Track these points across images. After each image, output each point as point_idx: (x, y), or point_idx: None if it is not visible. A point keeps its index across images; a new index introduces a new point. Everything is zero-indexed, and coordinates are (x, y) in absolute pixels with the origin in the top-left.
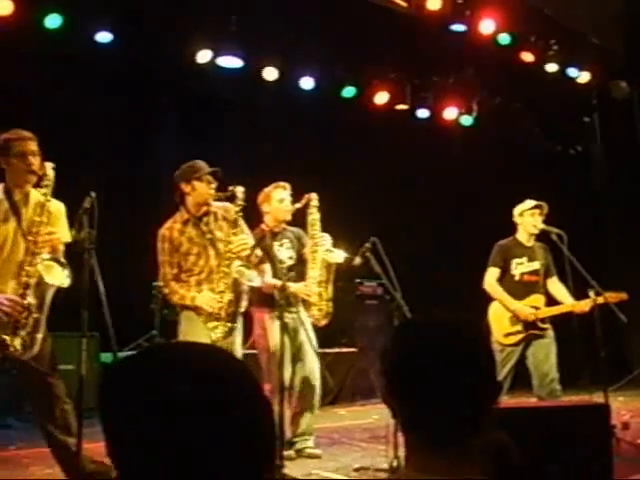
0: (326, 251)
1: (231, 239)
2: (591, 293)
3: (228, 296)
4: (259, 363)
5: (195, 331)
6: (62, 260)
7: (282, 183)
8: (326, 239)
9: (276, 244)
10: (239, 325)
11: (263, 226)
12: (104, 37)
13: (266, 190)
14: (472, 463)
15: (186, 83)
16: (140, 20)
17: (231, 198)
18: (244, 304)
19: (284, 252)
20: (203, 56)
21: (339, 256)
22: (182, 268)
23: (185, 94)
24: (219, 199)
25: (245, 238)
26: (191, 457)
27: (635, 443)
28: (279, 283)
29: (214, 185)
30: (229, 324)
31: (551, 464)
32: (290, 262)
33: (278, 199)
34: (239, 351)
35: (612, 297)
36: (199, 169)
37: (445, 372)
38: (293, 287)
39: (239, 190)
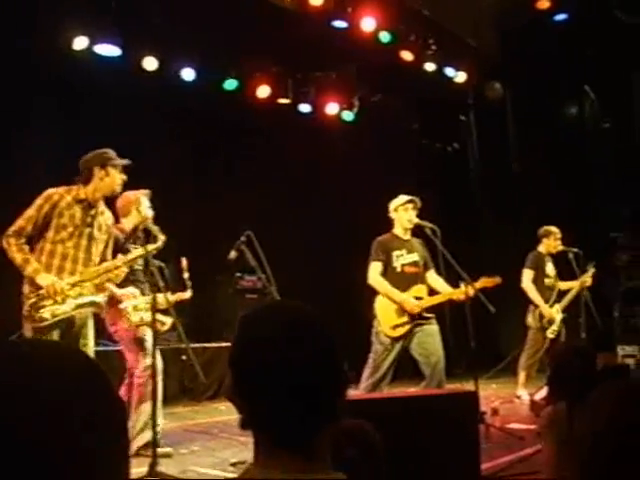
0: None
1: (118, 265)
2: (463, 285)
3: (75, 301)
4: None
5: None
6: None
7: (147, 191)
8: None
9: (132, 245)
10: (91, 323)
11: (123, 226)
12: None
13: (137, 194)
14: (321, 458)
15: (61, 70)
16: (11, 3)
17: (153, 238)
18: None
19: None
20: (79, 43)
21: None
22: (48, 240)
23: (60, 82)
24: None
25: (125, 271)
26: (34, 463)
27: (503, 428)
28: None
29: (124, 177)
30: (53, 318)
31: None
32: (140, 268)
33: (147, 206)
34: (92, 348)
35: (488, 282)
36: (115, 157)
37: (287, 366)
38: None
39: (161, 238)
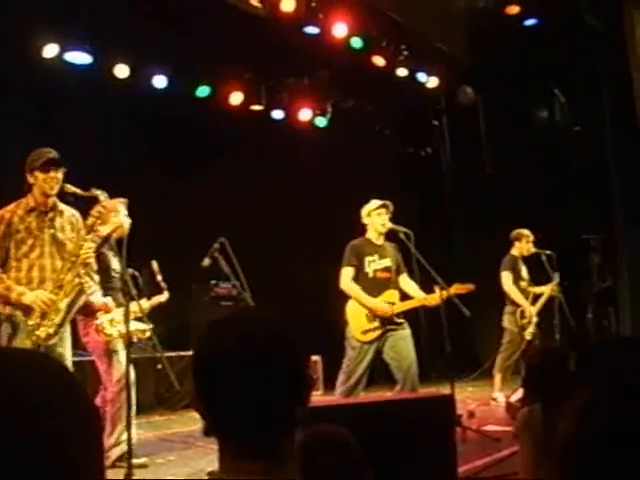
0: None
1: (82, 244)
2: (437, 289)
3: (65, 300)
4: (96, 368)
5: (18, 336)
6: None
7: (124, 199)
8: None
9: (111, 253)
10: (68, 333)
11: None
12: None
13: (113, 202)
14: (287, 463)
15: (31, 78)
16: None
17: (93, 200)
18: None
19: (117, 263)
20: (50, 50)
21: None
22: (13, 257)
23: (30, 90)
24: (76, 196)
25: (92, 246)
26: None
27: (480, 430)
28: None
29: (54, 173)
30: (57, 328)
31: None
32: (117, 276)
33: (124, 214)
34: (69, 359)
35: (460, 289)
36: (38, 157)
37: (249, 372)
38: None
39: (102, 194)
